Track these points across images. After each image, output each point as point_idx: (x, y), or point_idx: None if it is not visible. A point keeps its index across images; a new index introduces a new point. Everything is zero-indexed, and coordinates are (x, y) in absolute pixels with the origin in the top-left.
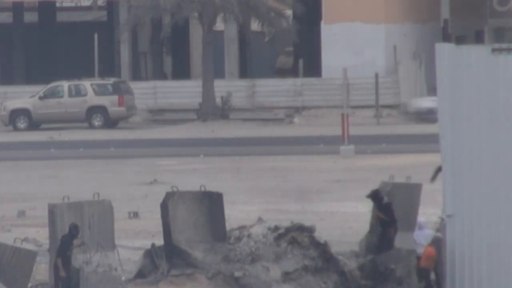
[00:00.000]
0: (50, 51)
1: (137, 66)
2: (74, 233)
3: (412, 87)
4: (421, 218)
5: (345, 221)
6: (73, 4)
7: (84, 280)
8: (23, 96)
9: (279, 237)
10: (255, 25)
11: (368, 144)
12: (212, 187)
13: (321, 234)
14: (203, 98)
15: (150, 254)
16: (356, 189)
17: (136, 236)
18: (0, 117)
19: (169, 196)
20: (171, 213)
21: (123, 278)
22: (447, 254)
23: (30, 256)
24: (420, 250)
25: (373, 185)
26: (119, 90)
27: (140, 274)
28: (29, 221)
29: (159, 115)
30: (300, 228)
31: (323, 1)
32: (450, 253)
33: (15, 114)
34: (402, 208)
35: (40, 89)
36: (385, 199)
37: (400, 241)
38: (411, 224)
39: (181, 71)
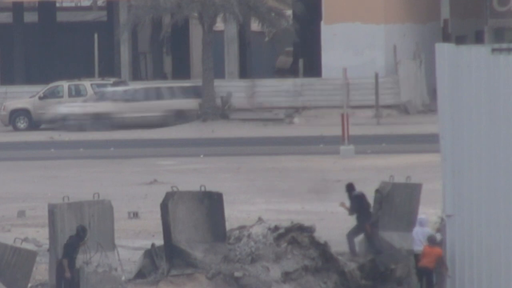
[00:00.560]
0: (50, 51)
1: (137, 66)
2: (81, 235)
3: (412, 87)
4: (423, 216)
5: (345, 221)
6: (73, 4)
7: (84, 280)
8: (23, 96)
9: (279, 237)
10: (255, 25)
11: (368, 144)
12: (212, 187)
13: (321, 234)
14: (203, 98)
15: (150, 254)
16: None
17: (136, 236)
18: (0, 117)
19: (169, 196)
20: (171, 213)
21: (123, 278)
22: (447, 254)
23: (30, 256)
24: (418, 247)
25: (373, 185)
26: None
27: (140, 274)
28: (29, 221)
29: None
30: (300, 228)
31: (323, 1)
32: (450, 253)
33: (15, 114)
34: (402, 208)
35: (40, 89)
36: (357, 192)
37: (400, 241)
38: (411, 224)
39: (181, 71)
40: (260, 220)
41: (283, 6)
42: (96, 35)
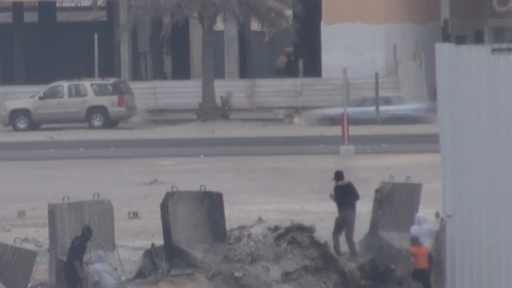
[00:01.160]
0: (50, 51)
1: (137, 66)
2: (88, 235)
3: (412, 87)
4: (420, 214)
5: None
6: (73, 4)
7: (84, 280)
8: (23, 96)
9: (279, 237)
10: (255, 25)
11: (368, 144)
12: (212, 187)
13: (321, 234)
14: (203, 98)
15: (150, 254)
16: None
17: (136, 236)
18: (0, 117)
19: (169, 196)
20: (171, 213)
21: (123, 278)
22: (447, 254)
23: (30, 256)
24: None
25: (373, 185)
26: (119, 90)
27: (140, 274)
28: (29, 221)
29: (159, 115)
30: (300, 228)
31: (323, 1)
32: (450, 253)
33: (15, 114)
34: (402, 208)
35: (40, 89)
36: (341, 182)
37: (400, 241)
38: (411, 224)
39: (181, 71)
40: (260, 220)
41: (283, 6)
42: (96, 35)
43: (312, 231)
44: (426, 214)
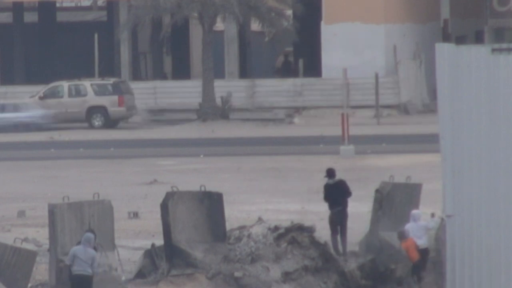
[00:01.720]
0: (50, 51)
1: (137, 66)
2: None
3: (412, 87)
4: (415, 210)
5: None
6: (73, 4)
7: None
8: (23, 96)
9: (279, 237)
10: (255, 25)
11: (368, 144)
12: (212, 187)
13: (321, 234)
14: (203, 98)
15: (150, 254)
16: (356, 189)
17: (136, 236)
18: None
19: (169, 196)
20: (171, 213)
21: (123, 278)
22: (447, 254)
23: (30, 256)
24: (417, 243)
25: (373, 185)
26: (119, 90)
27: (140, 274)
28: (29, 221)
29: (159, 115)
30: (300, 228)
31: (323, 1)
32: (450, 253)
33: None
34: (402, 208)
35: (40, 89)
36: (331, 180)
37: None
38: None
39: (181, 71)
40: (260, 220)
41: (283, 6)
42: (96, 35)
43: (312, 231)
44: (426, 214)
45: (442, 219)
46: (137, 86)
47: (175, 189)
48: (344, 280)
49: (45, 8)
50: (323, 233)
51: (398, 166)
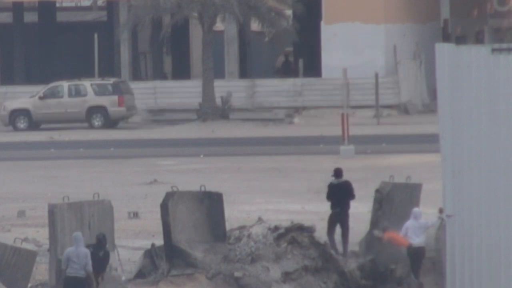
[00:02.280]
0: (50, 51)
1: (137, 66)
2: (104, 243)
3: (412, 87)
4: (416, 208)
5: None
6: (73, 4)
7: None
8: (23, 96)
9: (279, 237)
10: (255, 25)
11: (368, 144)
12: (212, 187)
13: (321, 234)
14: (203, 98)
15: (150, 254)
16: (356, 189)
17: (136, 236)
18: (0, 117)
19: (169, 196)
20: (171, 213)
21: (123, 278)
22: (447, 254)
23: (30, 256)
24: (412, 241)
25: (373, 185)
26: (119, 90)
27: (140, 274)
28: (29, 221)
29: (159, 115)
30: (300, 228)
31: (323, 1)
32: (450, 253)
33: (15, 114)
34: (402, 208)
35: (40, 89)
36: (335, 180)
37: None
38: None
39: (181, 71)
40: (260, 220)
41: (283, 6)
42: (96, 35)
43: (312, 231)
44: (426, 213)
45: (442, 219)
46: (137, 86)
47: (175, 189)
48: (344, 280)
49: (45, 8)
50: (323, 233)
51: (398, 166)
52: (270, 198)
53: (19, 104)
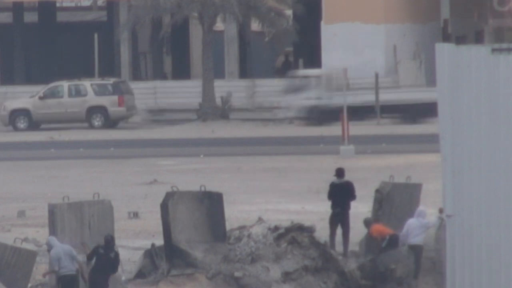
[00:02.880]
0: (50, 51)
1: (137, 66)
2: (112, 244)
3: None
4: (421, 207)
5: None
6: (73, 4)
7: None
8: (23, 96)
9: (279, 237)
10: (255, 25)
11: (368, 144)
12: (212, 187)
13: (321, 234)
14: (203, 98)
15: (150, 254)
16: (356, 189)
17: (136, 236)
18: (0, 117)
19: (169, 196)
20: (171, 213)
21: (123, 278)
22: (447, 254)
23: (30, 256)
24: (413, 239)
25: (373, 185)
26: (119, 90)
27: (140, 274)
28: (29, 221)
29: (159, 115)
30: (300, 228)
31: (323, 1)
32: (450, 253)
33: (15, 114)
34: (402, 208)
35: (40, 89)
36: (337, 180)
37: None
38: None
39: (181, 71)
40: (260, 220)
41: (283, 6)
42: (96, 35)
43: (312, 231)
44: (427, 213)
45: (442, 219)
46: (137, 86)
47: (175, 189)
48: (344, 280)
49: (45, 8)
50: (323, 233)
51: (398, 166)
52: (270, 198)
53: (19, 104)
